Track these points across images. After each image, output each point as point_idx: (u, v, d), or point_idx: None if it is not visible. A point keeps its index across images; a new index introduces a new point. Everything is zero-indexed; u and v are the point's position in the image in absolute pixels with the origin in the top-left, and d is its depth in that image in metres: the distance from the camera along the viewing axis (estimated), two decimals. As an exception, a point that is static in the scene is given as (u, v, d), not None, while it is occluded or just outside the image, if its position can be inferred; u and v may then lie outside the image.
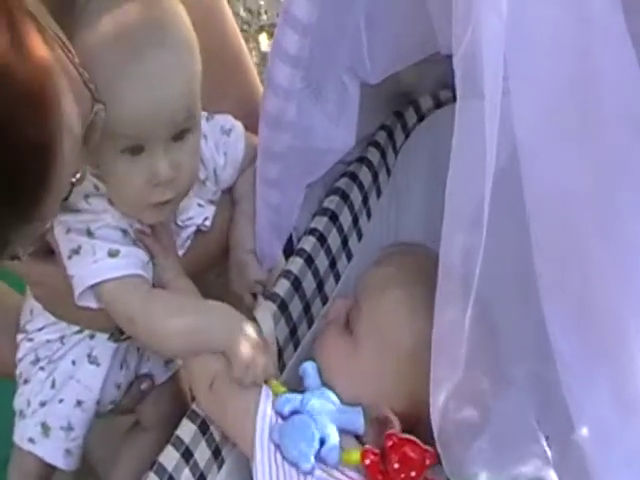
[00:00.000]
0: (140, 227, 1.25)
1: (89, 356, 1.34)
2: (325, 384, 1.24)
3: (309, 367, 1.24)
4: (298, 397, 1.20)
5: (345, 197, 1.42)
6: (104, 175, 1.21)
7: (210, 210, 1.32)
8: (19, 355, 1.37)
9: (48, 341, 1.35)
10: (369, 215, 1.47)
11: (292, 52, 1.20)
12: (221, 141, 1.32)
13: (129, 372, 1.39)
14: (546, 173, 1.09)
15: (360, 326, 1.27)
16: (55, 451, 1.35)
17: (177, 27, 1.17)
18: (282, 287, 1.31)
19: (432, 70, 1.46)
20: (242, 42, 1.43)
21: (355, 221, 1.44)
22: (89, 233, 1.21)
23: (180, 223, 1.31)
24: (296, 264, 1.34)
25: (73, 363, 1.34)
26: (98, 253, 1.21)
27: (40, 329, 1.35)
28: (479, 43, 1.02)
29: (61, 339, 1.34)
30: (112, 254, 1.21)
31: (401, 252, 1.39)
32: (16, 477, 1.38)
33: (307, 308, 1.35)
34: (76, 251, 1.21)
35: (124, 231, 1.23)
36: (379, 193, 1.49)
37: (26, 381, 1.36)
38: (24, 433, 1.36)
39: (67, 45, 1.00)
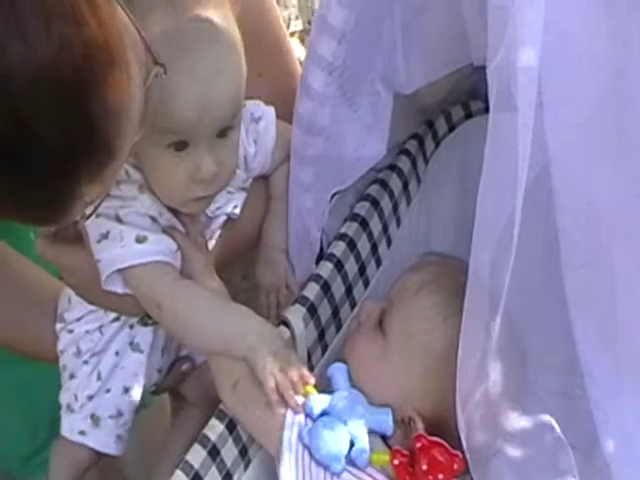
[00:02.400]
0: (170, 218, 1.26)
1: (131, 344, 1.36)
2: (354, 385, 1.25)
3: (338, 368, 1.25)
4: (327, 398, 1.21)
5: (375, 204, 1.43)
6: (146, 169, 1.22)
7: (240, 197, 1.33)
8: (60, 347, 1.38)
9: (87, 332, 1.36)
10: (399, 223, 1.48)
11: (327, 58, 1.22)
12: (251, 128, 1.33)
13: (170, 356, 1.40)
14: (578, 188, 1.11)
15: (392, 328, 1.29)
16: (107, 439, 1.36)
17: (225, 23, 1.18)
18: (312, 291, 1.33)
19: (464, 81, 1.48)
20: (283, 27, 1.44)
21: (385, 228, 1.45)
22: (118, 219, 1.23)
23: (210, 214, 1.32)
24: (326, 268, 1.35)
25: (117, 354, 1.35)
26: (126, 238, 1.22)
27: (79, 319, 1.36)
28: (514, 54, 1.03)
29: (100, 329, 1.35)
30: (140, 240, 1.22)
31: (437, 261, 1.40)
32: (63, 468, 1.38)
33: (336, 312, 1.36)
34: (105, 236, 1.23)
35: (153, 218, 1.25)
36: (409, 201, 1.51)
37: (72, 376, 1.37)
38: (73, 426, 1.36)
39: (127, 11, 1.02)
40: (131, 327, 1.36)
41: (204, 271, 1.28)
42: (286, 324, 1.29)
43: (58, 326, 1.38)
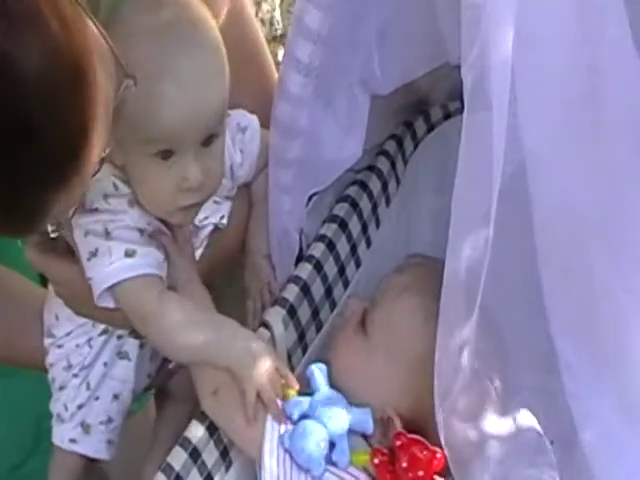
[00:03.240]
0: (158, 225, 1.26)
1: (119, 353, 1.36)
2: (334, 384, 1.25)
3: (317, 369, 1.25)
4: (307, 400, 1.22)
5: (354, 205, 1.44)
6: (132, 178, 1.22)
7: (226, 206, 1.34)
8: (50, 360, 1.38)
9: (77, 346, 1.36)
10: (378, 224, 1.48)
11: (304, 60, 1.22)
12: (237, 138, 1.33)
13: (157, 362, 1.40)
14: (553, 185, 1.10)
15: (375, 328, 1.29)
16: (98, 445, 1.37)
17: (208, 29, 1.18)
18: (291, 292, 1.33)
19: (442, 82, 1.49)
20: (261, 36, 1.44)
21: (364, 229, 1.45)
22: (107, 233, 1.22)
23: (197, 223, 1.32)
24: (305, 270, 1.36)
25: (105, 365, 1.35)
26: (115, 254, 1.22)
27: (68, 334, 1.36)
28: (487, 53, 1.03)
29: (89, 342, 1.35)
30: (129, 254, 1.22)
31: (421, 263, 1.40)
32: (60, 476, 1.39)
33: (315, 313, 1.36)
34: (94, 253, 1.23)
35: (141, 231, 1.24)
36: (388, 202, 1.51)
37: (62, 387, 1.37)
38: (64, 435, 1.37)
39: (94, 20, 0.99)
40: (119, 338, 1.36)
41: (189, 279, 1.29)
42: (266, 326, 1.29)
43: (47, 341, 1.38)
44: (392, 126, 1.54)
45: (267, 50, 1.45)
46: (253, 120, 1.35)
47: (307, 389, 1.25)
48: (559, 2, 1.05)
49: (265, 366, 1.19)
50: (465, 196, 1.11)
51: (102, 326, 1.35)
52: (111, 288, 1.23)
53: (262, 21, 2.42)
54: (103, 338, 1.35)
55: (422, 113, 1.56)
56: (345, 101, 1.28)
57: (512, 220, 1.11)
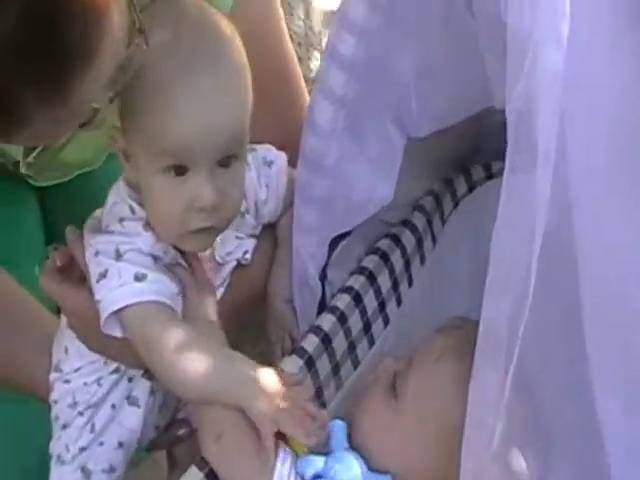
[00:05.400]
0: (175, 256, 1.20)
1: (128, 398, 1.28)
2: (354, 446, 1.15)
3: (337, 426, 1.15)
4: (321, 460, 1.12)
5: (385, 258, 1.35)
6: (145, 196, 1.17)
7: (250, 243, 1.27)
8: (54, 396, 1.30)
9: (85, 384, 1.28)
10: (411, 282, 1.39)
11: (336, 90, 1.15)
12: (262, 172, 1.27)
13: (168, 413, 1.33)
14: (601, 237, 1.02)
15: (407, 392, 1.18)
16: None
17: (232, 49, 1.14)
18: (310, 343, 1.23)
19: (486, 140, 1.41)
20: (296, 64, 1.37)
21: (395, 286, 1.36)
22: (118, 254, 1.16)
23: (219, 259, 1.25)
24: (327, 321, 1.26)
25: (113, 407, 1.28)
26: (124, 276, 1.15)
27: (76, 370, 1.29)
28: (534, 96, 0.96)
29: (98, 381, 1.28)
30: (138, 278, 1.15)
31: (465, 327, 1.27)
32: None
33: (336, 369, 1.26)
34: (103, 275, 1.17)
35: (155, 258, 1.18)
36: (423, 260, 1.42)
37: (65, 426, 1.29)
38: (63, 478, 1.29)
39: None
40: (130, 380, 1.28)
41: (205, 315, 1.20)
42: (281, 376, 1.19)
43: (53, 376, 1.31)
44: (430, 181, 1.45)
45: (296, 66, 1.37)
46: (280, 156, 1.29)
47: (323, 448, 1.15)
48: (609, 41, 0.99)
49: (282, 397, 1.09)
50: (504, 247, 1.02)
51: (114, 365, 1.27)
52: (118, 313, 1.16)
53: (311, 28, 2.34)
54: (114, 378, 1.28)
55: (463, 171, 1.48)
56: (378, 139, 1.20)
57: (553, 277, 1.02)
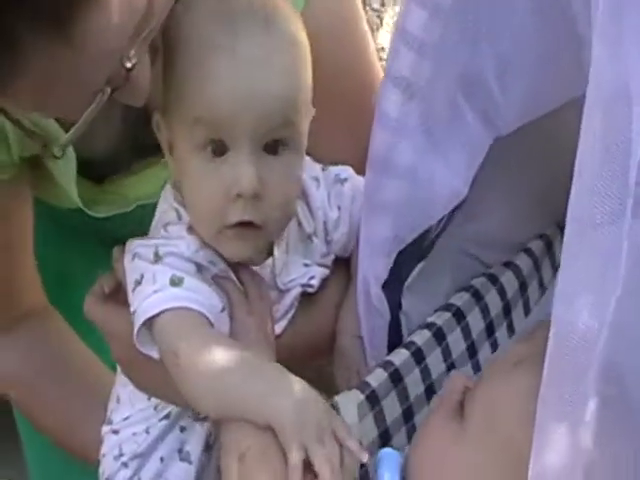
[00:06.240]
0: (225, 269, 1.06)
1: (180, 452, 1.12)
2: (407, 477, 0.95)
3: (388, 456, 0.96)
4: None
5: (478, 297, 1.15)
6: (184, 184, 1.06)
7: (318, 271, 1.12)
8: (103, 450, 1.16)
9: (134, 434, 1.14)
10: (512, 330, 1.18)
11: (405, 75, 1.00)
12: (334, 191, 1.13)
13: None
14: None
15: (473, 410, 0.97)
16: None
17: (287, 20, 1.03)
18: (376, 377, 1.04)
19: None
20: (378, 70, 1.22)
21: (490, 330, 1.16)
22: (156, 257, 1.03)
23: (282, 286, 1.11)
24: (400, 356, 1.06)
25: (162, 460, 1.12)
26: (159, 281, 1.02)
27: (125, 418, 1.15)
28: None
29: (147, 429, 1.13)
30: (175, 282, 1.02)
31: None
32: None
33: (408, 414, 1.06)
34: (139, 281, 1.03)
35: (199, 266, 1.04)
36: (527, 310, 1.21)
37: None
38: None
39: None
40: (182, 430, 1.12)
41: (257, 341, 1.04)
42: (333, 408, 1.00)
43: (104, 429, 1.17)
44: (540, 225, 1.27)
45: (379, 72, 1.22)
46: (356, 177, 1.14)
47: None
48: None
49: (319, 424, 0.92)
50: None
51: (164, 411, 1.12)
52: (151, 322, 1.01)
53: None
54: (164, 424, 1.12)
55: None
56: (458, 134, 1.03)
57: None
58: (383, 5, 2.24)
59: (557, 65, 1.02)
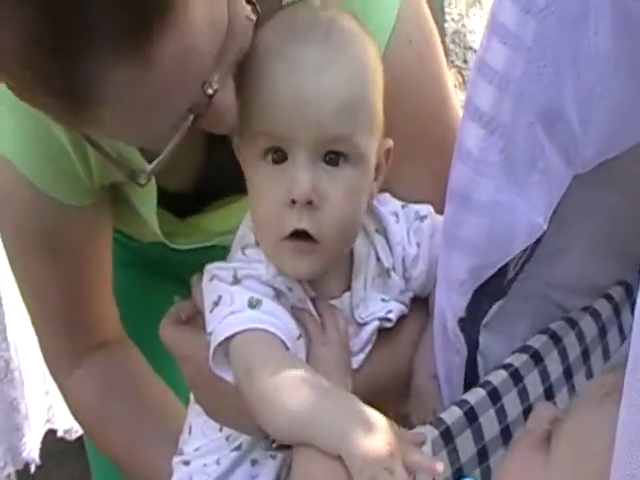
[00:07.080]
0: (303, 299, 1.07)
1: None
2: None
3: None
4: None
5: (556, 340, 1.13)
6: (249, 195, 1.07)
7: (396, 306, 1.12)
8: None
9: (205, 465, 1.13)
10: (590, 374, 1.16)
11: (485, 110, 1.00)
12: (413, 227, 1.13)
13: None
14: None
15: (559, 443, 0.95)
16: None
17: (346, 36, 1.04)
18: (451, 415, 1.02)
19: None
20: (457, 110, 1.22)
21: (568, 374, 1.13)
22: (235, 279, 1.04)
23: (359, 320, 1.10)
24: (476, 395, 1.05)
25: None
26: (237, 302, 1.02)
27: (197, 449, 1.15)
28: None
29: (217, 461, 1.13)
30: (252, 304, 1.02)
31: None
32: None
33: (483, 454, 1.04)
34: (216, 302, 1.04)
35: (277, 292, 1.05)
36: (607, 356, 1.19)
37: None
38: None
39: None
40: (253, 464, 1.11)
41: (328, 372, 1.02)
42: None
43: (175, 459, 1.17)
44: (621, 271, 1.24)
45: (455, 108, 1.21)
46: (436, 216, 1.14)
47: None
48: None
49: (389, 454, 0.90)
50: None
51: (236, 442, 1.12)
52: (227, 343, 1.02)
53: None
54: (235, 455, 1.12)
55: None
56: (537, 169, 1.02)
57: None
58: (465, 62, 2.25)
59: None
